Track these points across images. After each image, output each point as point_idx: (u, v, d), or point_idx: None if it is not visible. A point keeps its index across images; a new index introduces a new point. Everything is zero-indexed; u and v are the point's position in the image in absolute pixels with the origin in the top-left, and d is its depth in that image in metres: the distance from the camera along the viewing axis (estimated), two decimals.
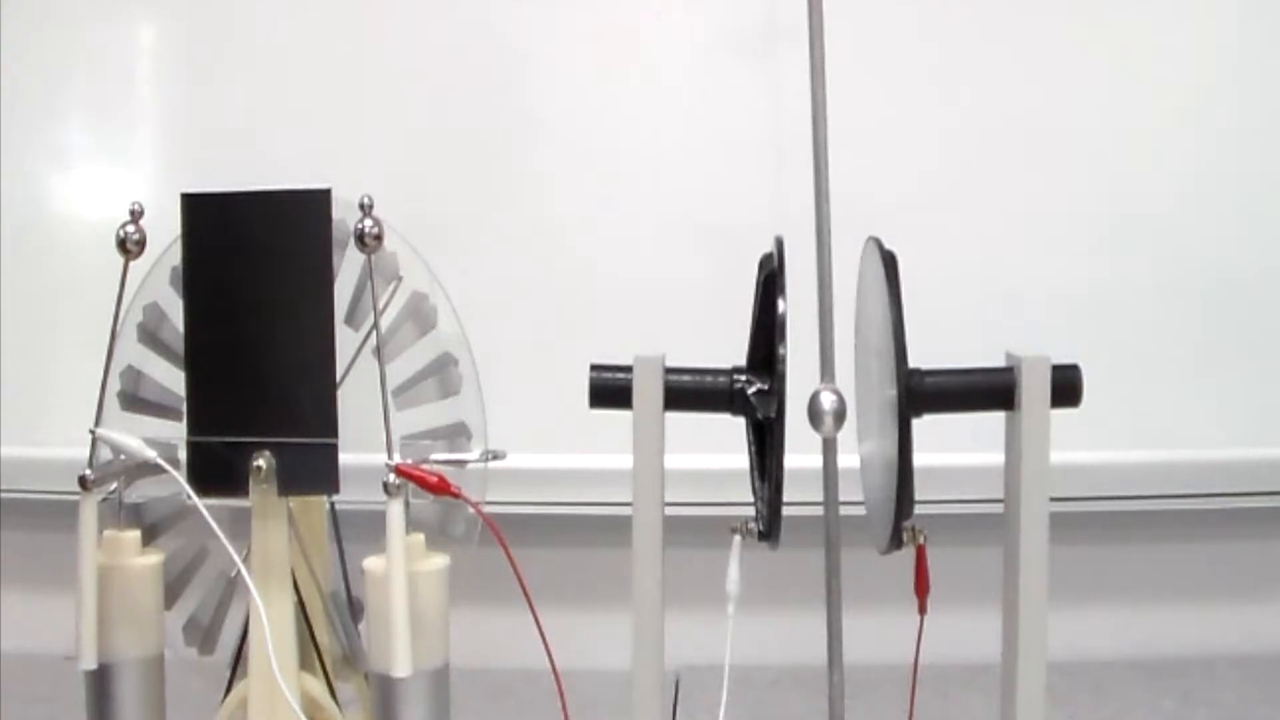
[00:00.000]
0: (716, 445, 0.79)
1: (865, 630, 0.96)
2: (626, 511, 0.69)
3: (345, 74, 1.18)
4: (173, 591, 0.85)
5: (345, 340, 0.84)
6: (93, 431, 0.79)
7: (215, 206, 0.80)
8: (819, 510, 0.88)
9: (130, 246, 0.80)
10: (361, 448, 0.78)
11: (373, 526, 0.77)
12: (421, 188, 1.16)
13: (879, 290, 0.69)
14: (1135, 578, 1.21)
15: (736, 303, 0.74)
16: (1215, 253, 1.16)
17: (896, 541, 0.69)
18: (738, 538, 0.71)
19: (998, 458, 0.71)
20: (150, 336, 0.86)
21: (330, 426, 0.78)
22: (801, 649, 1.00)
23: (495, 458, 0.84)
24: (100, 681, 0.78)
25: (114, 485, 0.81)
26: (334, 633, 0.87)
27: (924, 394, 0.68)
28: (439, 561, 0.79)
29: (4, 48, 1.20)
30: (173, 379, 0.84)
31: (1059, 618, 0.70)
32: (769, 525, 0.69)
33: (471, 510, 0.81)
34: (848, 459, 0.81)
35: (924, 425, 0.68)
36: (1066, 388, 0.68)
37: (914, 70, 1.15)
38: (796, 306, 0.70)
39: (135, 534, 0.81)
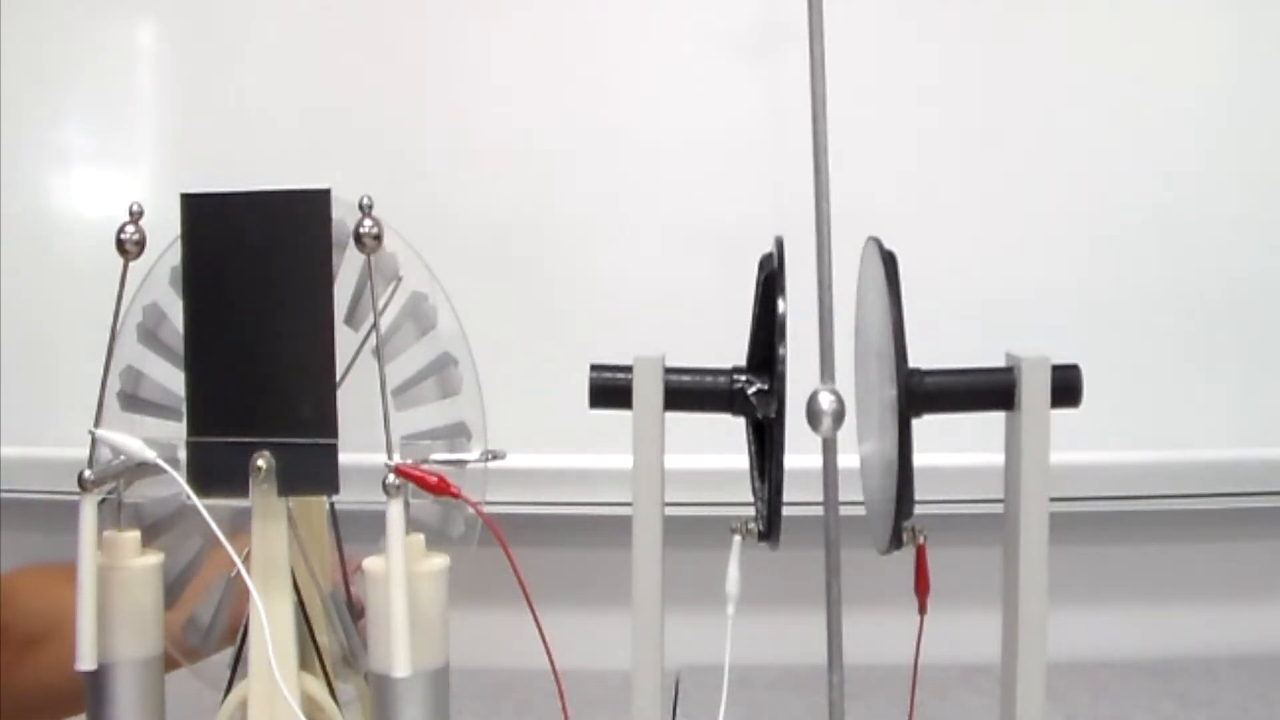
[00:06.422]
0: (716, 445, 0.79)
1: (865, 630, 0.96)
2: (626, 511, 0.69)
3: (344, 73, 1.18)
4: (173, 591, 0.85)
5: (345, 340, 0.84)
6: (92, 432, 0.79)
7: (215, 206, 0.79)
8: (819, 510, 0.88)
9: (130, 247, 0.80)
10: (361, 448, 0.78)
11: (373, 526, 0.77)
12: (421, 187, 1.16)
13: (879, 290, 0.69)
14: (1135, 578, 1.21)
15: (737, 303, 0.74)
16: (1215, 253, 1.16)
17: (896, 541, 0.69)
18: (738, 538, 0.71)
19: (998, 458, 0.71)
20: (150, 336, 0.86)
21: (330, 426, 0.78)
22: (801, 649, 1.00)
23: (495, 458, 0.83)
24: (100, 682, 0.78)
25: (114, 485, 0.81)
26: (334, 633, 0.87)
27: (924, 394, 0.68)
28: (439, 562, 0.79)
29: (4, 48, 1.20)
30: (173, 379, 0.84)
31: (1059, 618, 0.70)
32: (769, 525, 0.69)
33: (471, 510, 0.81)
34: (848, 459, 0.81)
35: (924, 425, 0.68)
36: (1066, 388, 0.68)
37: (915, 70, 1.16)
38: (796, 306, 0.70)
39: (135, 534, 0.81)
